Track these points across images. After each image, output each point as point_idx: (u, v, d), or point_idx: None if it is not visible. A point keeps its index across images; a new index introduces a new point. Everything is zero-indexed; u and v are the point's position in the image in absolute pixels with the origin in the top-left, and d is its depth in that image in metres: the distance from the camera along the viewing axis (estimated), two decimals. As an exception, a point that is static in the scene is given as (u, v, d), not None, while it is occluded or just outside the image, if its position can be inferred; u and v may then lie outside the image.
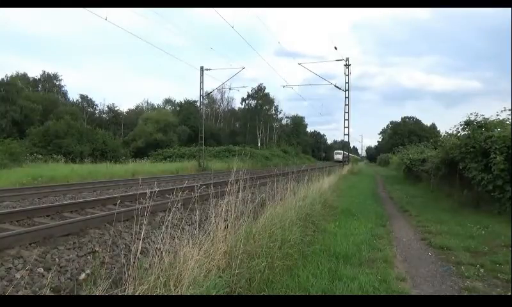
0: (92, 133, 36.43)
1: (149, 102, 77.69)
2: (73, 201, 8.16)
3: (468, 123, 11.09)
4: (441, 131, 31.55)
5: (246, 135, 65.64)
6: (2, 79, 45.77)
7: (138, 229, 3.36)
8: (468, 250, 5.64)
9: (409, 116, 77.41)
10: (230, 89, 53.12)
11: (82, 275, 3.91)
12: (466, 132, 11.08)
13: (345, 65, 29.63)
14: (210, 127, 58.22)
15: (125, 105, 76.87)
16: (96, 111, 67.11)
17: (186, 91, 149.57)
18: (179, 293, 2.62)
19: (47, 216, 6.35)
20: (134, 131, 55.36)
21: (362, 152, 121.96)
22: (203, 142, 31.38)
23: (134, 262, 2.75)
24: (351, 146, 67.96)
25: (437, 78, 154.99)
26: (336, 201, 10.13)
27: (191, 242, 3.16)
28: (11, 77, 51.39)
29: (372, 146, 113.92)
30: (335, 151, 73.54)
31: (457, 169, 11.13)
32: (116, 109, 67.39)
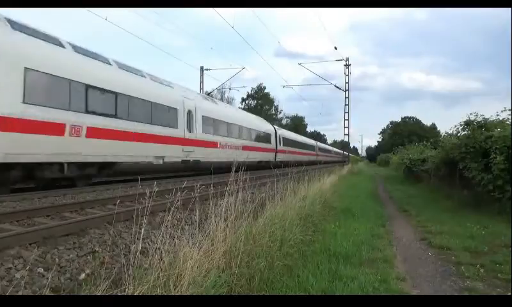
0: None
1: (149, 101, 77.64)
2: (73, 201, 8.14)
3: (468, 123, 11.09)
4: (441, 131, 31.63)
5: (246, 135, 65.58)
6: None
7: (138, 229, 3.36)
8: (468, 250, 5.63)
9: (409, 116, 77.59)
10: (230, 89, 53.17)
11: (82, 275, 3.91)
12: (466, 132, 11.09)
13: (345, 65, 29.69)
14: (210, 127, 58.07)
15: (125, 105, 76.68)
16: (97, 111, 67.04)
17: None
18: (179, 293, 2.63)
19: (47, 216, 6.33)
20: (134, 131, 55.22)
21: (362, 152, 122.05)
22: (203, 142, 31.32)
23: (133, 262, 2.75)
24: (351, 146, 67.23)
25: (437, 79, 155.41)
26: (336, 201, 10.13)
27: (190, 242, 3.16)
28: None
29: (372, 146, 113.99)
30: None
31: (457, 169, 11.13)
32: (116, 109, 67.29)
